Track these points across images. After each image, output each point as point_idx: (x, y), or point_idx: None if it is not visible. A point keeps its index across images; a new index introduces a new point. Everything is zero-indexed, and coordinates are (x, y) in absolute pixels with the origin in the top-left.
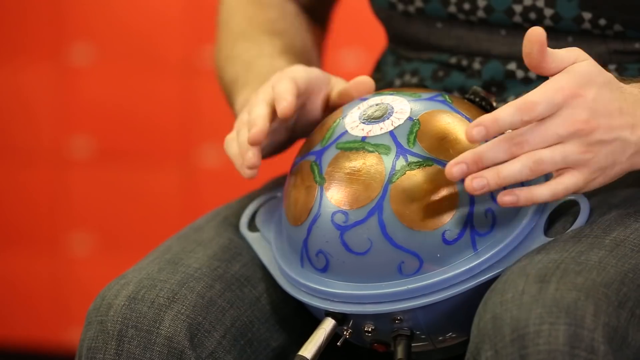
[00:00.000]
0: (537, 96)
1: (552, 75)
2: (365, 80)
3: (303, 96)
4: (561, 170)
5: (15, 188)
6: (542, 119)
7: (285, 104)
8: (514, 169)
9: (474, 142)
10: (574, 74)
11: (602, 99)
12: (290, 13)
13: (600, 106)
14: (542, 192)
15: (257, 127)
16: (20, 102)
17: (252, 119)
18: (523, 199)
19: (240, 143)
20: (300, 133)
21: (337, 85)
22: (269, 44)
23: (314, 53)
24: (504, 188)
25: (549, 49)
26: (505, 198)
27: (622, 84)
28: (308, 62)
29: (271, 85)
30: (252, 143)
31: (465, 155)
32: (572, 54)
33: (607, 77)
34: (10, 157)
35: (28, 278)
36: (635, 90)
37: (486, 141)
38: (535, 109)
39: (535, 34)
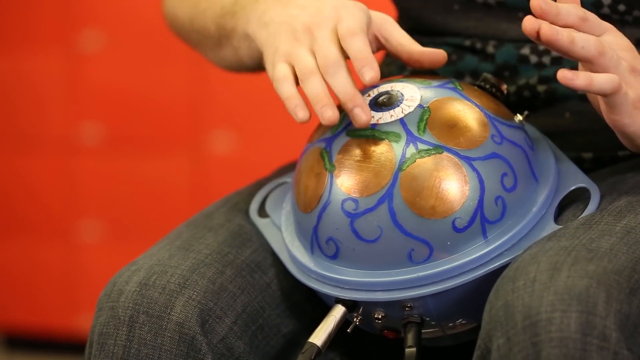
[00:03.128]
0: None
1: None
2: (442, 55)
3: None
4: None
5: (24, 175)
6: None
7: (374, 74)
8: (582, 36)
9: (533, 8)
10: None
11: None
12: None
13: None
14: (601, 77)
15: (373, 70)
16: (29, 89)
17: (342, 90)
18: (582, 77)
19: (314, 92)
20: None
21: (388, 29)
22: None
23: None
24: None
25: None
26: (565, 73)
27: None
28: None
29: (331, 28)
30: (371, 82)
31: (562, 31)
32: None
33: None
34: (19, 144)
35: (38, 265)
36: None
37: None
38: (588, 14)
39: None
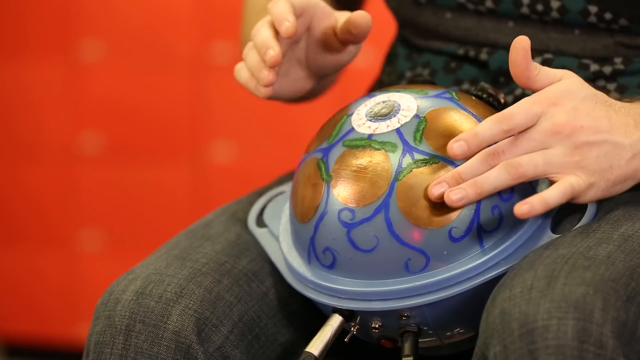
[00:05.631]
0: (515, 108)
1: (538, 90)
2: (362, 14)
3: (304, 17)
4: (555, 175)
5: (24, 184)
6: (522, 131)
7: (288, 24)
8: (491, 175)
9: (455, 157)
10: (555, 87)
11: (585, 107)
12: None
13: (582, 112)
14: (552, 193)
15: (273, 49)
16: (29, 98)
17: (260, 41)
18: (537, 204)
19: (251, 64)
20: (315, 69)
21: (341, 19)
22: None
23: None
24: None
25: (537, 64)
26: (521, 208)
27: (611, 100)
28: None
29: (268, 9)
30: (272, 65)
31: (445, 176)
32: (560, 72)
33: (593, 92)
34: (19, 153)
35: (37, 274)
36: (628, 105)
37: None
38: (514, 118)
39: (521, 42)
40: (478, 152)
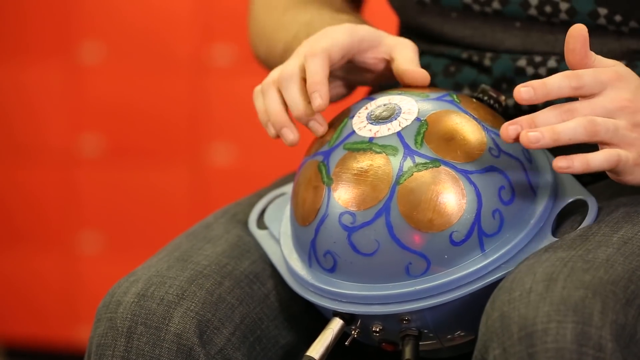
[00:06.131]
0: (584, 70)
1: None
2: (424, 76)
3: (343, 60)
4: (612, 146)
5: (24, 187)
6: (588, 96)
7: (320, 101)
8: (569, 126)
9: (520, 101)
10: (616, 68)
11: None
12: None
13: None
14: (597, 157)
15: (321, 98)
16: (29, 100)
17: (291, 99)
18: (578, 163)
19: (274, 114)
20: (354, 82)
21: (397, 50)
22: (325, 8)
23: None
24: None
25: (593, 53)
26: (560, 162)
27: None
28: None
29: (303, 54)
30: (292, 144)
31: (520, 119)
32: (612, 61)
33: None
34: (19, 155)
35: (37, 276)
36: None
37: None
38: (582, 78)
39: (579, 29)
40: (542, 101)
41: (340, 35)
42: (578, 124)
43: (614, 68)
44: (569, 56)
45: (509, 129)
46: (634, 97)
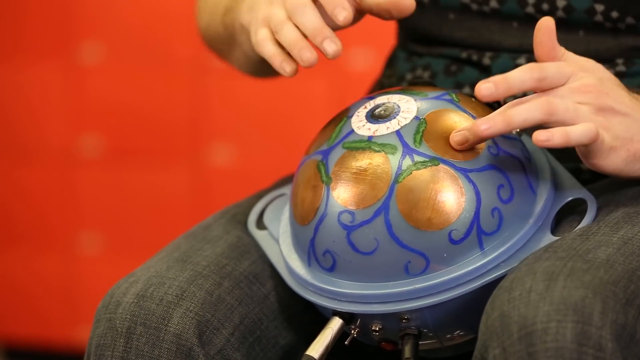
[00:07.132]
0: (547, 62)
1: None
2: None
3: None
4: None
5: (24, 187)
6: (552, 89)
7: (345, 13)
8: (523, 107)
9: (481, 98)
10: (584, 60)
11: (610, 83)
12: None
13: (608, 84)
14: (577, 129)
15: (335, 43)
16: (29, 101)
17: (311, 27)
18: (557, 133)
19: (290, 41)
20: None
21: None
22: None
23: None
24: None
25: (561, 47)
26: (540, 136)
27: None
28: None
29: None
30: (334, 55)
31: (494, 77)
32: (583, 57)
33: (614, 76)
34: (19, 156)
35: (38, 277)
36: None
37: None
38: (546, 68)
39: (546, 22)
40: (504, 96)
41: None
42: (533, 103)
43: (580, 62)
44: (536, 49)
45: (482, 87)
46: (598, 84)
